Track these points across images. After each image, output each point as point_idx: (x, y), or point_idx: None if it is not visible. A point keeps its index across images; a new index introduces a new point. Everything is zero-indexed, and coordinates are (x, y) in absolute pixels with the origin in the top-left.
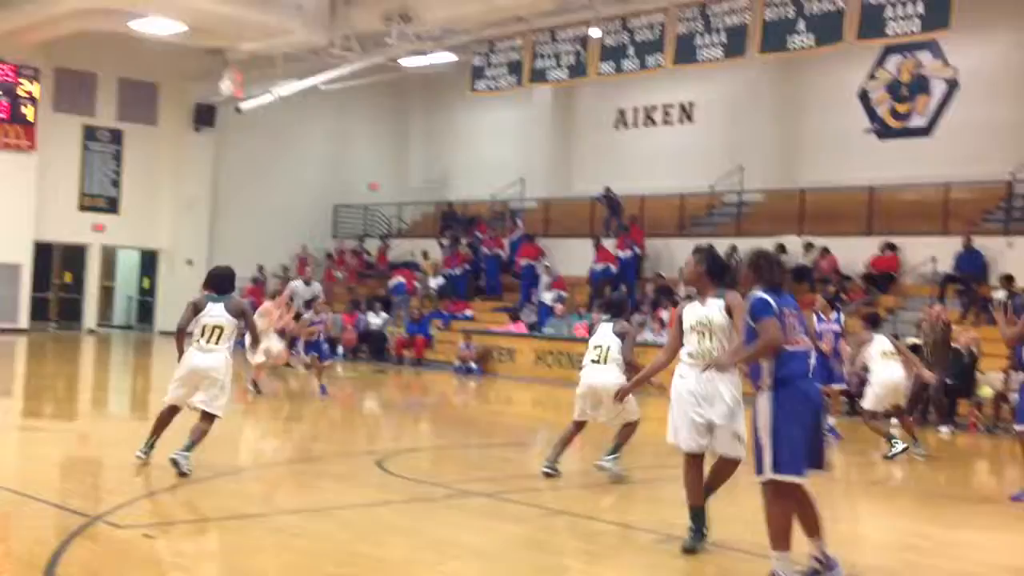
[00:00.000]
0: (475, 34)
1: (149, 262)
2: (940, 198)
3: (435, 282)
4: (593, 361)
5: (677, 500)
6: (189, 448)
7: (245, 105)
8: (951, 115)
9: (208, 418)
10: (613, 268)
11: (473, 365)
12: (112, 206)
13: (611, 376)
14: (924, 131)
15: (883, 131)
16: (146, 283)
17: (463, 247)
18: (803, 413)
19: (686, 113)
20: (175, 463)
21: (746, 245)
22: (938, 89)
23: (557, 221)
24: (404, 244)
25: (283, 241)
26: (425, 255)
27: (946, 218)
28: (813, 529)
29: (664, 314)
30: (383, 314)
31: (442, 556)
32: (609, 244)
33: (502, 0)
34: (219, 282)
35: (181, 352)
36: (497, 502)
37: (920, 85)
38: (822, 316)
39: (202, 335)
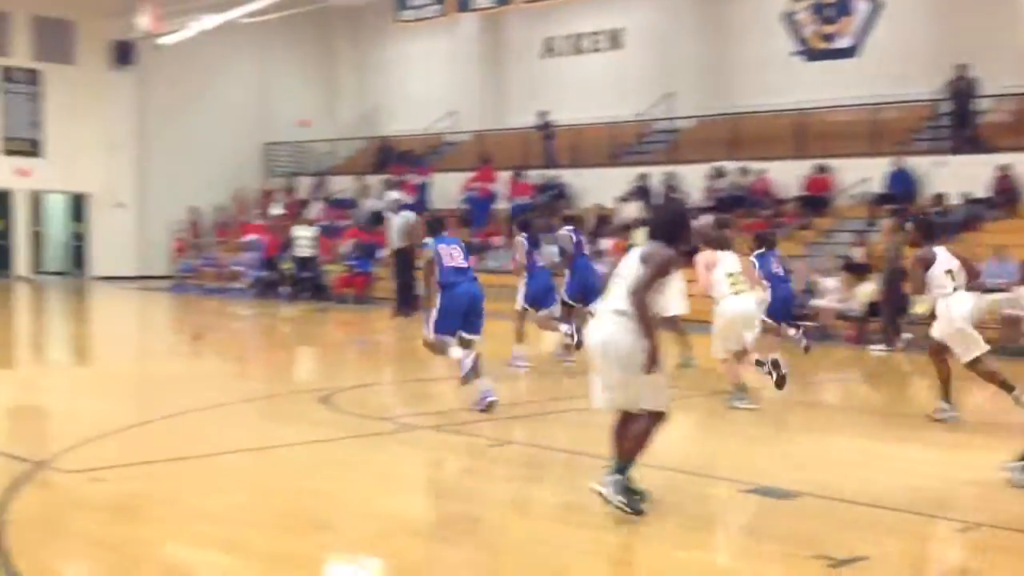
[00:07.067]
0: None
1: (78, 206)
2: (869, 119)
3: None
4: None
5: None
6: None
7: (164, 40)
8: (876, 35)
9: None
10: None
11: None
12: (36, 149)
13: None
14: (850, 52)
15: (809, 53)
16: (77, 228)
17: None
18: None
19: (615, 40)
20: None
21: (681, 172)
22: (862, 9)
23: (492, 154)
24: (340, 181)
25: (215, 181)
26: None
27: (875, 139)
28: None
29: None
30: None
31: (390, 488)
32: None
33: None
34: None
35: None
36: (443, 434)
37: (844, 6)
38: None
39: None
